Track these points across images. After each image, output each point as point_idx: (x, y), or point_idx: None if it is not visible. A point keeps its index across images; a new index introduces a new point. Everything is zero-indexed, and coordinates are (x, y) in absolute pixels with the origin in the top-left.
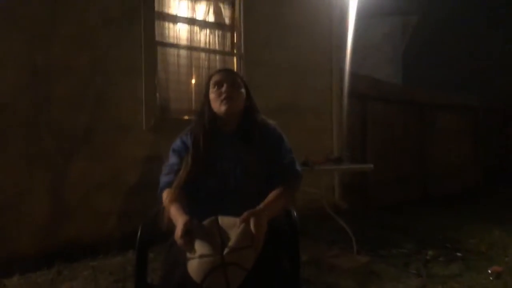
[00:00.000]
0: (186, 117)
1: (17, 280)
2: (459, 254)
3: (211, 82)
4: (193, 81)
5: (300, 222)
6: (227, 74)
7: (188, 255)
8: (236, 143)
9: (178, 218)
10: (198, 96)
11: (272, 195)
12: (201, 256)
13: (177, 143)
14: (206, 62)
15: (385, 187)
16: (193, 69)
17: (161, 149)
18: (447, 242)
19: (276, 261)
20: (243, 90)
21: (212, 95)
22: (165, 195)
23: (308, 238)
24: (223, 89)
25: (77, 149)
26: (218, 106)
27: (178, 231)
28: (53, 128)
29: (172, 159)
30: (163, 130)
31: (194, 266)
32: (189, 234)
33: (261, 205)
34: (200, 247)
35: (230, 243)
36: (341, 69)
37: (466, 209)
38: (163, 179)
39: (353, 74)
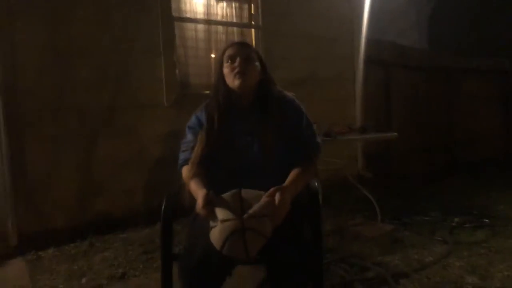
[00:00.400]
0: (206, 92)
1: (52, 252)
2: (486, 220)
3: (225, 56)
4: (212, 55)
5: (323, 192)
6: (240, 48)
7: (211, 223)
8: (252, 118)
9: (198, 192)
10: None
11: (295, 173)
12: (222, 221)
13: (192, 120)
14: (224, 35)
15: (410, 156)
16: (212, 42)
17: (183, 124)
18: (474, 209)
19: (298, 231)
20: (257, 63)
21: (225, 70)
22: (184, 171)
23: (332, 207)
24: (236, 63)
25: (101, 128)
26: (231, 80)
27: (199, 203)
28: (77, 108)
29: (188, 136)
30: (184, 105)
31: (215, 233)
32: (210, 204)
33: (286, 183)
34: (222, 214)
35: (250, 210)
36: (363, 37)
37: (495, 177)
38: (181, 156)
39: (376, 41)
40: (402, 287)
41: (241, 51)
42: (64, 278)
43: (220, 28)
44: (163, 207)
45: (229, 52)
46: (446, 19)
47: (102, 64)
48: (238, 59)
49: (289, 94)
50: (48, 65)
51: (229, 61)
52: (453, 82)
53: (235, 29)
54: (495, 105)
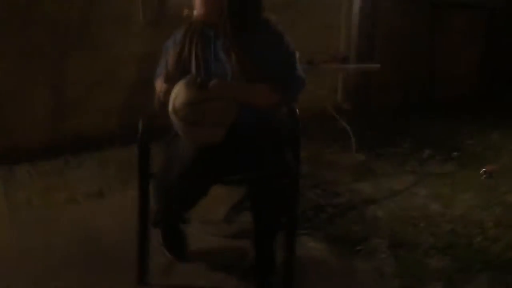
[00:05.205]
0: (186, 11)
1: (26, 168)
2: (455, 153)
3: None
4: None
5: (302, 121)
6: None
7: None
8: (226, 46)
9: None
10: None
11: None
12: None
13: (169, 40)
14: None
15: (389, 90)
16: None
17: (160, 45)
18: (445, 143)
19: (280, 152)
20: None
21: None
22: (157, 83)
23: (309, 137)
24: None
25: (72, 44)
26: None
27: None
28: (46, 21)
29: (164, 54)
30: (162, 24)
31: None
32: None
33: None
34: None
35: None
36: None
37: (469, 114)
38: (157, 72)
39: None
40: (371, 212)
41: None
42: (40, 194)
43: None
44: (139, 127)
45: None
46: None
47: None
48: None
49: (273, 18)
50: None
51: None
52: (437, 15)
53: None
54: (477, 42)
